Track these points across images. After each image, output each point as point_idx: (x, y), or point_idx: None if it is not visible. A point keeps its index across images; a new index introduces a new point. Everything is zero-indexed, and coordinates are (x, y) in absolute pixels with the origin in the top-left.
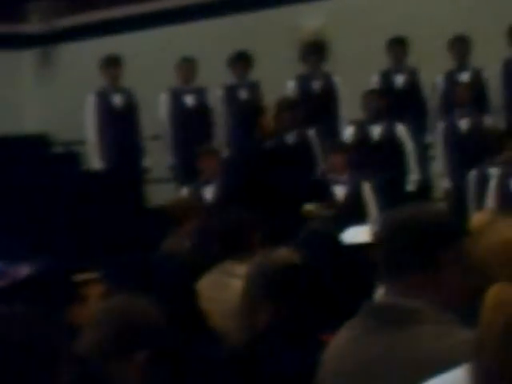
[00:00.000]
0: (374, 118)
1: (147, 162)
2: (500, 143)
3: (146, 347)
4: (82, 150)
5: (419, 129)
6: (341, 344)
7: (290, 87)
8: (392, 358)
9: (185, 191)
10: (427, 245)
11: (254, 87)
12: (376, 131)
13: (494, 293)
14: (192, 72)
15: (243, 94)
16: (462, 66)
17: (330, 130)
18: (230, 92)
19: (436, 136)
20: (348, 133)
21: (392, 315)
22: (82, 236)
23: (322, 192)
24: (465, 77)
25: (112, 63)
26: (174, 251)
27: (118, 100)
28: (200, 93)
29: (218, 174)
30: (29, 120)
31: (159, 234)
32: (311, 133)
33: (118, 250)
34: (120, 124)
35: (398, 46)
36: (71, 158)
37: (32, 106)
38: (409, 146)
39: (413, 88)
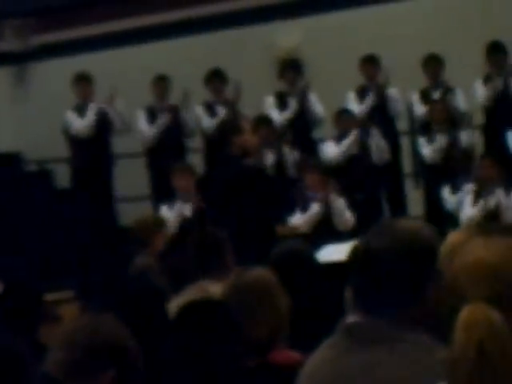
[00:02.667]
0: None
1: (120, 180)
2: (475, 160)
3: (114, 366)
4: (55, 168)
5: (389, 145)
6: (317, 364)
7: (268, 104)
8: (370, 377)
9: (163, 209)
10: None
11: (230, 104)
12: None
13: (467, 313)
14: (166, 90)
15: (221, 111)
16: (435, 84)
17: (307, 147)
18: (208, 109)
19: (421, 149)
20: (328, 149)
21: (369, 334)
22: (55, 255)
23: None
24: (438, 95)
25: (82, 80)
26: (145, 270)
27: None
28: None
29: (193, 192)
30: (2, 138)
31: (133, 253)
32: (287, 150)
33: (91, 269)
34: (93, 142)
35: (370, 64)
36: (44, 176)
37: (6, 124)
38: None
39: (383, 105)
